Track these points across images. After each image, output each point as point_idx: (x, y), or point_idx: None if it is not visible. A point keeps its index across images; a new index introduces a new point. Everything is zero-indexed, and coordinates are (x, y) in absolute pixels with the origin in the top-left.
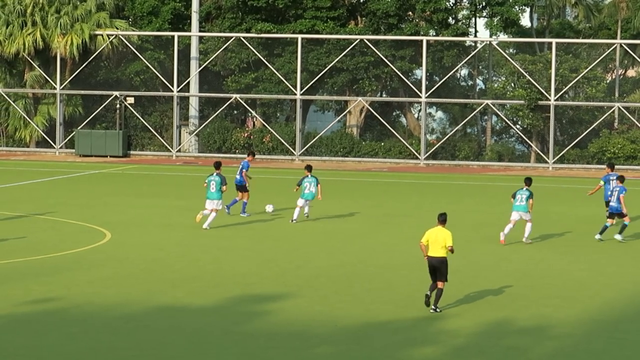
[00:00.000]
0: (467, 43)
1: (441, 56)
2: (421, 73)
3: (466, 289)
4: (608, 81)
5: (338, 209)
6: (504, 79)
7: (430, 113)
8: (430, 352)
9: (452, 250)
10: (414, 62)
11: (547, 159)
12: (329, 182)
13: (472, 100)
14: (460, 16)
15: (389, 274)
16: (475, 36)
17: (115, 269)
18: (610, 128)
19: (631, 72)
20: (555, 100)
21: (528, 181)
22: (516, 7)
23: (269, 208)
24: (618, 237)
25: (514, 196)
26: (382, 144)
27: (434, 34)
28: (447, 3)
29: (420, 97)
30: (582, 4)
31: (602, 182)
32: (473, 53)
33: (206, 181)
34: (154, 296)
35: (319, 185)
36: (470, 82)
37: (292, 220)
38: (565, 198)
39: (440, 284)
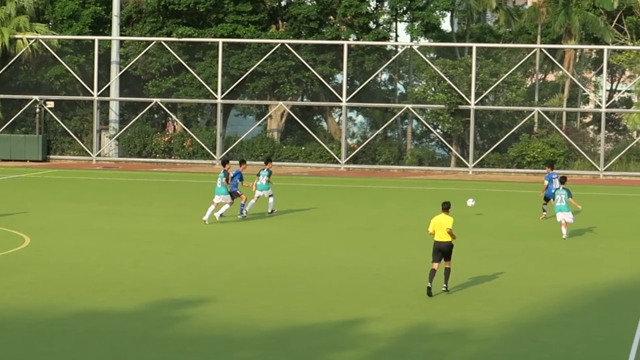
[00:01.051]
0: (388, 47)
1: (362, 60)
2: (342, 77)
3: (387, 293)
4: (528, 85)
5: (259, 213)
6: (424, 83)
7: (350, 117)
8: (351, 356)
9: (451, 234)
10: (335, 66)
11: (467, 163)
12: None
13: (393, 105)
14: (381, 21)
15: (311, 278)
16: (396, 40)
17: (35, 274)
18: (529, 132)
19: (551, 77)
20: (475, 104)
21: (563, 180)
22: (437, 11)
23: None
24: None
25: (553, 197)
26: (303, 148)
27: (355, 38)
28: (368, 8)
29: (340, 101)
30: (502, 9)
31: (546, 182)
32: (394, 57)
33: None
34: (74, 301)
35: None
36: (390, 87)
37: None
38: (485, 202)
39: (447, 264)
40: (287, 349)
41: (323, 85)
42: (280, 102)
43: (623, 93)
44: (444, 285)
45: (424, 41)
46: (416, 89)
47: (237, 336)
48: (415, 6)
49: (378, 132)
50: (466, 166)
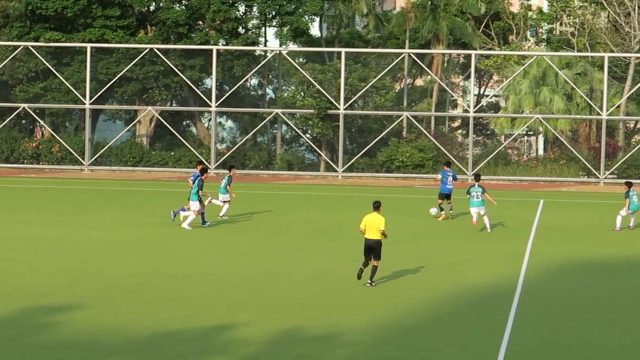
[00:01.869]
0: (257, 52)
1: (231, 65)
2: (211, 82)
3: (257, 298)
4: (397, 90)
5: (129, 219)
6: (293, 88)
7: (220, 122)
8: None
9: (384, 234)
10: (204, 71)
11: (336, 167)
12: (119, 192)
13: (262, 110)
14: (250, 25)
15: (180, 283)
16: (265, 45)
17: None
18: (398, 137)
19: (419, 82)
20: (344, 109)
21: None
22: (306, 16)
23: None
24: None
25: (468, 192)
26: (172, 153)
27: (224, 43)
28: (237, 12)
29: (210, 106)
30: (371, 14)
31: (439, 176)
32: (263, 62)
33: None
34: None
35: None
36: (260, 91)
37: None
38: (355, 206)
39: (375, 262)
40: (157, 355)
41: (192, 90)
42: (149, 107)
43: (491, 97)
44: (369, 281)
45: (293, 46)
46: (285, 94)
47: (106, 342)
48: (284, 11)
49: (247, 137)
50: (335, 171)
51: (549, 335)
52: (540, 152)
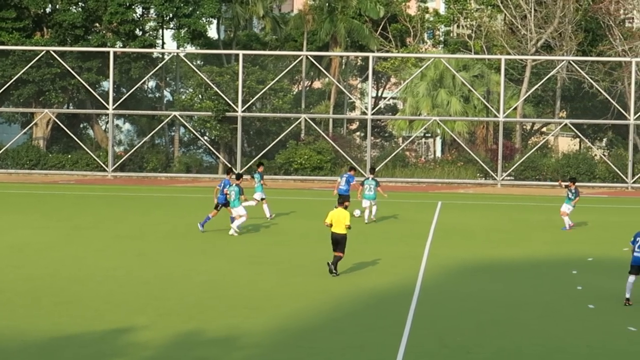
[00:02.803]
0: (155, 54)
1: (128, 68)
2: (108, 85)
3: (155, 301)
4: (294, 93)
5: (26, 222)
6: (191, 90)
7: (117, 125)
8: None
9: (349, 227)
10: (101, 73)
11: (234, 170)
12: (15, 196)
13: (160, 112)
14: (147, 28)
15: (78, 287)
16: (163, 48)
17: None
18: (297, 139)
19: (317, 84)
20: (242, 111)
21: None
22: (203, 18)
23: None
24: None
25: (362, 184)
26: (70, 156)
27: (121, 45)
28: (134, 15)
29: (107, 108)
30: (269, 16)
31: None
32: (160, 65)
33: (227, 191)
34: None
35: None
36: (158, 94)
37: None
38: (253, 209)
39: (339, 254)
40: (56, 359)
41: (89, 93)
42: (46, 110)
43: (388, 100)
44: (334, 271)
45: (190, 48)
46: (183, 96)
47: (3, 347)
48: (181, 13)
49: (145, 139)
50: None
51: (447, 336)
52: (438, 154)
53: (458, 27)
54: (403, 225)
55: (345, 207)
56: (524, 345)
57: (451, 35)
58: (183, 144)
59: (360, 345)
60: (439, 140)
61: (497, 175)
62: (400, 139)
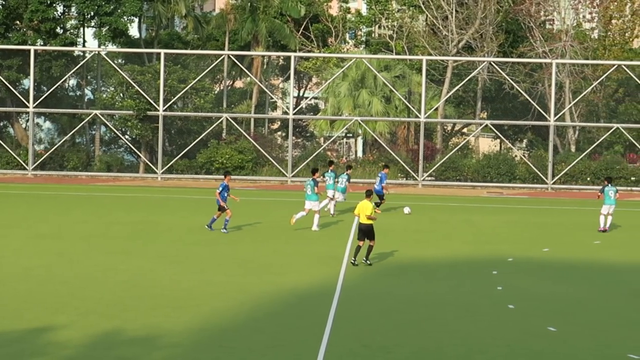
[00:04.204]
0: (76, 53)
1: (49, 66)
2: (29, 83)
3: (75, 300)
4: (216, 92)
5: None
6: (112, 89)
7: (38, 123)
8: None
9: (370, 218)
10: (22, 71)
11: (155, 169)
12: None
13: (81, 111)
14: (68, 26)
15: None
16: (84, 46)
17: None
18: (218, 138)
19: (239, 83)
20: (163, 110)
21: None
22: (125, 17)
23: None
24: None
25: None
26: None
27: (42, 43)
28: (55, 13)
29: (27, 107)
30: (190, 15)
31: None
32: (82, 63)
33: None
34: None
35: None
36: (79, 92)
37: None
38: (174, 208)
39: (371, 242)
40: None
41: (9, 91)
42: None
43: (310, 100)
44: (365, 259)
45: (112, 47)
46: (104, 95)
47: None
48: (102, 12)
49: (66, 138)
50: (155, 172)
51: (367, 336)
52: (360, 154)
53: (380, 27)
54: (324, 225)
55: (380, 202)
56: (444, 345)
57: (373, 35)
58: (104, 143)
59: (280, 344)
60: (360, 141)
61: (418, 176)
62: (322, 139)
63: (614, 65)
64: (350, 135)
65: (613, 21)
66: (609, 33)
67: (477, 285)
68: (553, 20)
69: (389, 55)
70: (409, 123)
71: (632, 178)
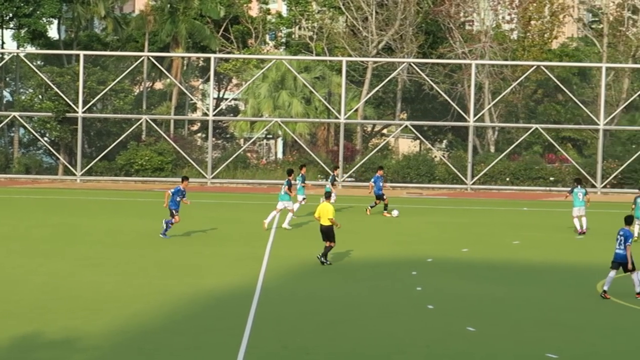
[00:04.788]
0: None
1: None
2: None
3: None
4: (136, 94)
5: None
6: (31, 91)
7: None
8: None
9: (332, 221)
10: None
11: (75, 171)
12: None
13: (0, 113)
14: None
15: None
16: (2, 47)
17: None
18: (138, 140)
19: (159, 85)
20: (83, 112)
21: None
22: (43, 18)
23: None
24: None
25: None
26: None
27: None
28: None
29: None
30: (110, 17)
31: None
32: (0, 65)
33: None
34: None
35: None
36: None
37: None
38: (94, 210)
39: (331, 243)
40: None
41: None
42: None
43: (230, 101)
44: (322, 258)
45: (30, 48)
46: (23, 97)
47: None
48: (21, 13)
49: None
50: (74, 174)
51: (287, 337)
52: (280, 155)
53: (300, 28)
54: (244, 227)
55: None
56: (363, 346)
57: (293, 36)
58: (23, 145)
59: (199, 346)
60: (280, 142)
61: (338, 177)
62: (242, 140)
63: (533, 66)
64: (271, 136)
65: (532, 22)
66: (528, 34)
67: (396, 286)
68: (472, 21)
69: (309, 56)
70: (328, 124)
71: (551, 178)
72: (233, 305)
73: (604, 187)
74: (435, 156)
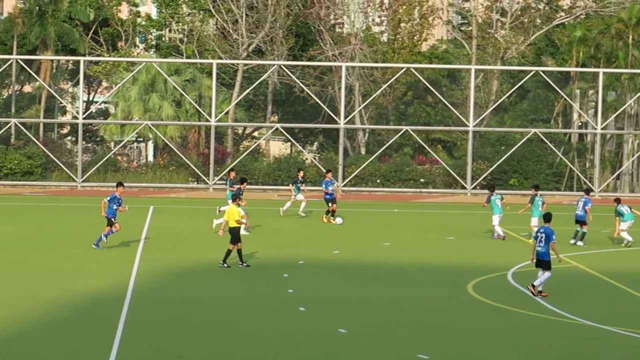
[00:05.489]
0: None
1: None
2: None
3: None
4: (4, 97)
5: None
6: None
7: None
8: None
9: (239, 222)
10: None
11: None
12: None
13: None
14: None
15: None
16: None
17: None
18: (6, 144)
19: (27, 88)
20: None
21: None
22: None
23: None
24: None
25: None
26: None
27: None
28: None
29: None
30: None
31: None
32: None
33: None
34: None
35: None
36: None
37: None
38: None
39: (238, 246)
40: None
41: None
42: None
43: (100, 104)
44: (225, 262)
45: None
46: None
47: None
48: None
49: None
50: None
51: (159, 341)
52: (150, 158)
53: (170, 31)
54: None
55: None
56: (235, 349)
57: (163, 39)
58: None
59: (70, 350)
60: (151, 145)
61: (209, 180)
62: (112, 144)
63: (402, 68)
64: (141, 139)
65: (402, 25)
66: (397, 36)
67: (268, 289)
68: (343, 23)
69: (179, 59)
70: (199, 127)
71: (422, 180)
72: (104, 309)
73: (474, 188)
74: (306, 158)
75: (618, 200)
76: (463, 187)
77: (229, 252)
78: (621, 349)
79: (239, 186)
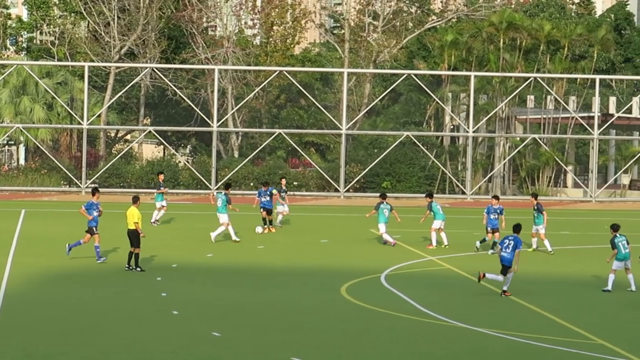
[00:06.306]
0: None
1: None
2: None
3: None
4: None
5: None
6: None
7: None
8: None
9: (136, 226)
10: None
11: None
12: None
13: None
14: None
15: None
16: None
17: None
18: None
19: None
20: None
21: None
22: None
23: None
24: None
25: None
26: None
27: None
28: None
29: None
30: None
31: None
32: None
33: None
34: None
35: None
36: None
37: None
38: None
39: (136, 250)
40: None
41: None
42: None
43: None
44: (135, 267)
45: None
46: None
47: None
48: None
49: None
50: None
51: (30, 345)
52: (22, 161)
53: (41, 33)
54: None
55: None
56: (109, 352)
57: (34, 41)
58: None
59: None
60: (22, 148)
61: (81, 183)
62: None
63: (275, 71)
64: (12, 142)
65: (275, 28)
66: (270, 39)
67: (142, 292)
68: (215, 26)
69: (50, 61)
70: (71, 130)
71: (295, 183)
72: None
73: (347, 191)
74: (179, 161)
75: (535, 195)
76: (336, 190)
77: (137, 255)
78: (494, 350)
79: (166, 188)
